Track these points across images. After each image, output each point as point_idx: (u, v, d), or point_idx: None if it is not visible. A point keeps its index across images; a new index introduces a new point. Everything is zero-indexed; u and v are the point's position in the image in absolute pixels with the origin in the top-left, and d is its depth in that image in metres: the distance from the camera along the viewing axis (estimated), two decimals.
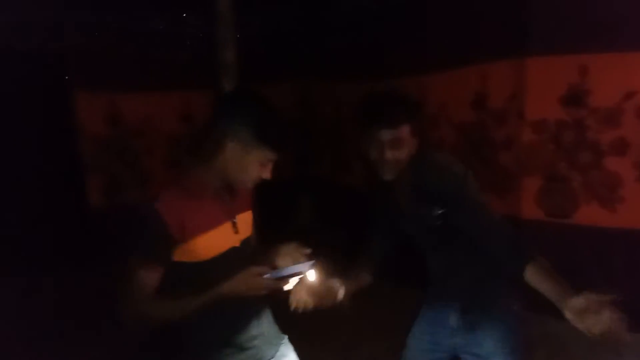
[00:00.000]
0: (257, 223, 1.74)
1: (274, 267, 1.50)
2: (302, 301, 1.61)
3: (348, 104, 4.58)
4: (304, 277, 1.50)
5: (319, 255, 1.58)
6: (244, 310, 1.54)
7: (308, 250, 1.58)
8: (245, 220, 1.61)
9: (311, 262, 1.48)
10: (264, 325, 1.64)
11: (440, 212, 1.70)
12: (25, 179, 3.69)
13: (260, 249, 1.71)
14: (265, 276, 1.41)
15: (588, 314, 1.34)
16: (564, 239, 2.98)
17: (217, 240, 1.48)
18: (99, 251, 3.84)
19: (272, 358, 1.66)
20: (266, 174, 1.48)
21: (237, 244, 1.55)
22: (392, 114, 1.66)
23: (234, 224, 1.54)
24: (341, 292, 1.77)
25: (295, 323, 1.75)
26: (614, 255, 2.88)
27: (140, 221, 1.43)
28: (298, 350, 1.76)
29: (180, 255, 1.42)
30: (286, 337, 1.75)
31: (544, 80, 2.97)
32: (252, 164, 1.43)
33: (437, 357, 1.93)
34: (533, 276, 1.55)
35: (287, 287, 1.48)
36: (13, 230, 3.52)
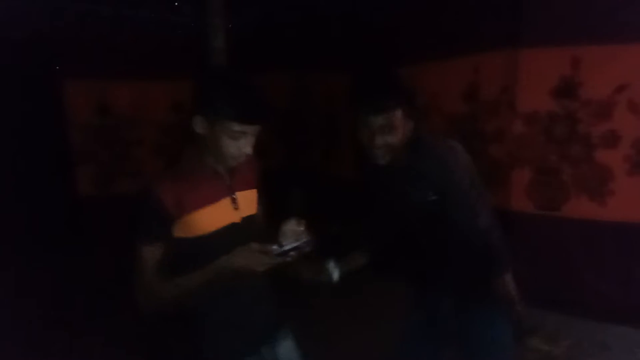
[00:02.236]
0: (264, 203, 1.74)
1: (278, 244, 1.48)
2: (296, 272, 1.65)
3: (341, 94, 4.55)
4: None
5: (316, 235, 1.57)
6: (245, 292, 1.55)
7: (306, 224, 1.56)
8: (247, 198, 1.61)
9: (311, 239, 1.48)
10: (263, 307, 1.64)
11: (434, 197, 1.69)
12: (13, 168, 3.67)
13: (264, 229, 1.70)
14: (270, 251, 1.42)
15: None
16: (554, 231, 2.99)
17: (215, 215, 1.49)
18: (88, 240, 3.83)
19: (270, 341, 1.66)
20: (246, 149, 1.45)
21: (238, 220, 1.55)
22: (383, 99, 1.62)
23: (234, 200, 1.55)
24: (336, 274, 1.79)
25: (295, 311, 1.76)
26: (603, 248, 2.89)
27: (139, 203, 1.46)
28: (298, 338, 1.76)
29: (180, 231, 1.44)
30: (286, 321, 1.75)
31: (536, 72, 2.96)
32: (223, 138, 1.42)
33: (430, 345, 1.94)
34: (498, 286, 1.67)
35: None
36: (1, 220, 3.50)
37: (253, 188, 1.66)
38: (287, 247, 1.44)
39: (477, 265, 1.75)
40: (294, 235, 1.52)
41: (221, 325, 1.55)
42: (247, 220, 1.59)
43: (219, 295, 1.49)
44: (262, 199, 1.72)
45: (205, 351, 1.57)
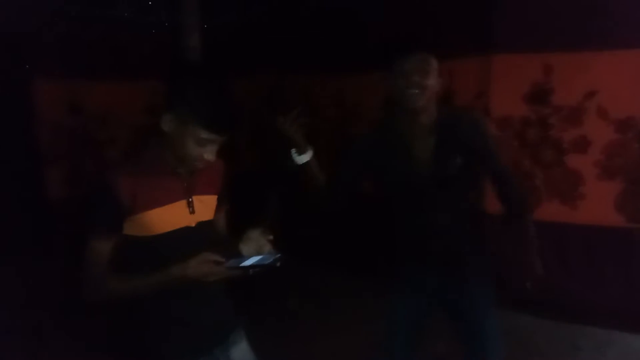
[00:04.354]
0: (228, 211, 1.70)
1: (237, 254, 1.45)
2: None
3: (317, 96, 4.56)
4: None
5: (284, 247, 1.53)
6: (197, 292, 1.50)
7: (271, 237, 1.54)
8: (204, 203, 1.56)
9: (277, 255, 1.41)
10: (217, 307, 1.61)
11: (461, 160, 1.73)
12: None
13: (225, 236, 1.67)
14: (226, 265, 1.38)
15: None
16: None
17: (168, 216, 1.45)
18: (59, 242, 3.75)
19: (223, 343, 1.63)
20: (208, 156, 1.42)
21: (192, 224, 1.50)
22: (419, 42, 1.77)
23: (190, 203, 1.50)
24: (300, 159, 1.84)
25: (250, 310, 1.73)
26: (574, 250, 2.96)
27: (93, 194, 1.43)
28: (251, 339, 1.74)
29: (133, 228, 1.40)
30: (240, 323, 1.73)
31: (509, 78, 3.01)
32: (187, 141, 1.38)
33: (419, 318, 1.94)
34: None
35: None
36: None
37: (214, 193, 1.61)
38: (247, 263, 1.37)
39: (471, 230, 1.84)
40: (256, 245, 1.48)
41: (171, 323, 1.52)
42: (203, 225, 1.54)
43: (169, 294, 1.43)
44: (225, 205, 1.68)
45: (156, 349, 1.53)
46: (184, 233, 1.48)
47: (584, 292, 2.92)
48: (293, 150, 1.85)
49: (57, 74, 3.83)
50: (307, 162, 1.85)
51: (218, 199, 1.63)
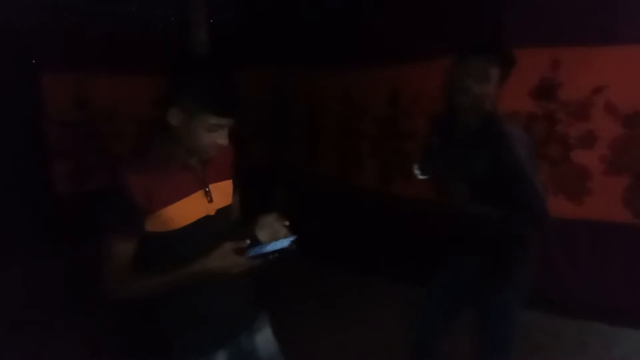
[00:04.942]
0: (240, 194, 1.70)
1: (253, 241, 1.45)
2: None
3: (322, 91, 4.56)
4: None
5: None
6: (218, 283, 1.49)
7: (287, 222, 1.54)
8: (221, 189, 1.58)
9: (292, 238, 1.42)
10: (239, 295, 1.61)
11: (483, 168, 1.75)
12: None
13: (240, 221, 1.67)
14: (248, 254, 1.38)
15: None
16: None
17: (188, 208, 1.46)
18: (66, 237, 3.76)
19: (247, 331, 1.64)
20: (221, 140, 1.43)
21: (212, 213, 1.52)
22: (490, 44, 1.79)
23: (207, 193, 1.52)
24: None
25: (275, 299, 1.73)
26: (580, 246, 2.94)
27: (108, 196, 1.42)
28: (275, 326, 1.75)
29: (153, 225, 1.41)
30: (263, 310, 1.73)
31: (516, 73, 2.98)
32: (198, 130, 1.39)
33: (453, 309, 2.03)
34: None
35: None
36: None
37: (228, 179, 1.62)
38: (268, 249, 1.38)
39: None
40: (271, 230, 1.49)
41: (194, 318, 1.52)
42: (222, 212, 1.55)
43: (190, 288, 1.44)
44: (238, 190, 1.69)
45: (181, 341, 1.54)
46: (204, 222, 1.49)
47: (591, 288, 2.91)
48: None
49: (64, 68, 3.85)
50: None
51: (233, 183, 1.65)
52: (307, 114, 4.88)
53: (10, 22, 3.55)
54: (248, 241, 1.40)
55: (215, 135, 1.41)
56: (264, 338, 1.69)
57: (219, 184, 1.57)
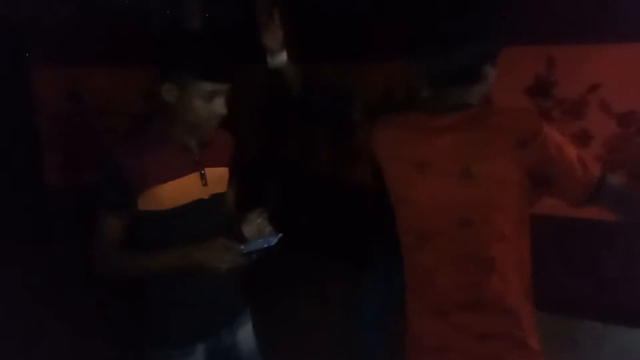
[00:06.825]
0: (236, 183, 1.71)
1: (239, 236, 1.47)
2: None
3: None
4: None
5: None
6: (205, 273, 1.50)
7: (271, 219, 1.54)
8: (217, 175, 1.57)
9: (279, 236, 1.44)
10: (224, 290, 1.62)
11: None
12: None
13: (232, 215, 1.67)
14: (239, 251, 1.39)
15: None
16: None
17: (181, 189, 1.46)
18: (56, 230, 3.74)
19: (229, 326, 1.63)
20: (219, 109, 1.42)
21: (206, 197, 1.52)
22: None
23: (202, 175, 1.51)
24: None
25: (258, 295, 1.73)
26: (574, 245, 2.95)
27: (101, 172, 1.44)
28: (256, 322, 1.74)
29: (146, 203, 1.41)
30: (247, 306, 1.73)
31: (511, 71, 2.98)
32: (194, 101, 1.37)
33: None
34: None
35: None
36: None
37: (224, 165, 1.62)
38: (257, 247, 1.40)
39: None
40: (257, 227, 1.49)
41: (179, 305, 1.52)
42: (216, 198, 1.55)
43: (178, 274, 1.45)
44: (234, 180, 1.68)
45: (162, 331, 1.53)
46: (197, 206, 1.49)
47: (583, 286, 2.91)
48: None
49: (56, 61, 3.81)
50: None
51: (230, 171, 1.63)
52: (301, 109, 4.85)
53: (3, 14, 3.51)
54: (242, 247, 1.40)
55: (213, 104, 1.39)
56: (246, 334, 1.69)
57: (215, 169, 1.56)
